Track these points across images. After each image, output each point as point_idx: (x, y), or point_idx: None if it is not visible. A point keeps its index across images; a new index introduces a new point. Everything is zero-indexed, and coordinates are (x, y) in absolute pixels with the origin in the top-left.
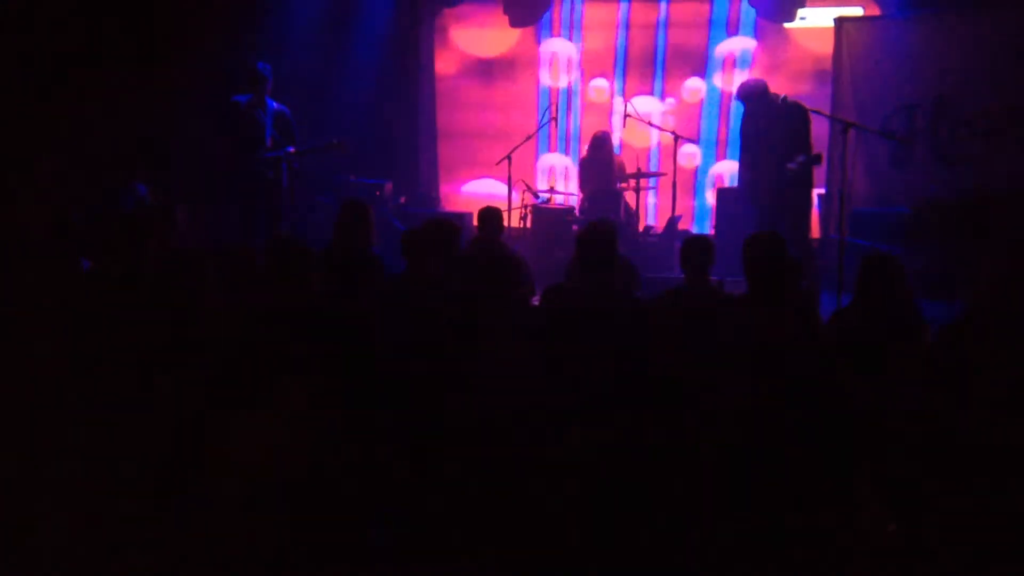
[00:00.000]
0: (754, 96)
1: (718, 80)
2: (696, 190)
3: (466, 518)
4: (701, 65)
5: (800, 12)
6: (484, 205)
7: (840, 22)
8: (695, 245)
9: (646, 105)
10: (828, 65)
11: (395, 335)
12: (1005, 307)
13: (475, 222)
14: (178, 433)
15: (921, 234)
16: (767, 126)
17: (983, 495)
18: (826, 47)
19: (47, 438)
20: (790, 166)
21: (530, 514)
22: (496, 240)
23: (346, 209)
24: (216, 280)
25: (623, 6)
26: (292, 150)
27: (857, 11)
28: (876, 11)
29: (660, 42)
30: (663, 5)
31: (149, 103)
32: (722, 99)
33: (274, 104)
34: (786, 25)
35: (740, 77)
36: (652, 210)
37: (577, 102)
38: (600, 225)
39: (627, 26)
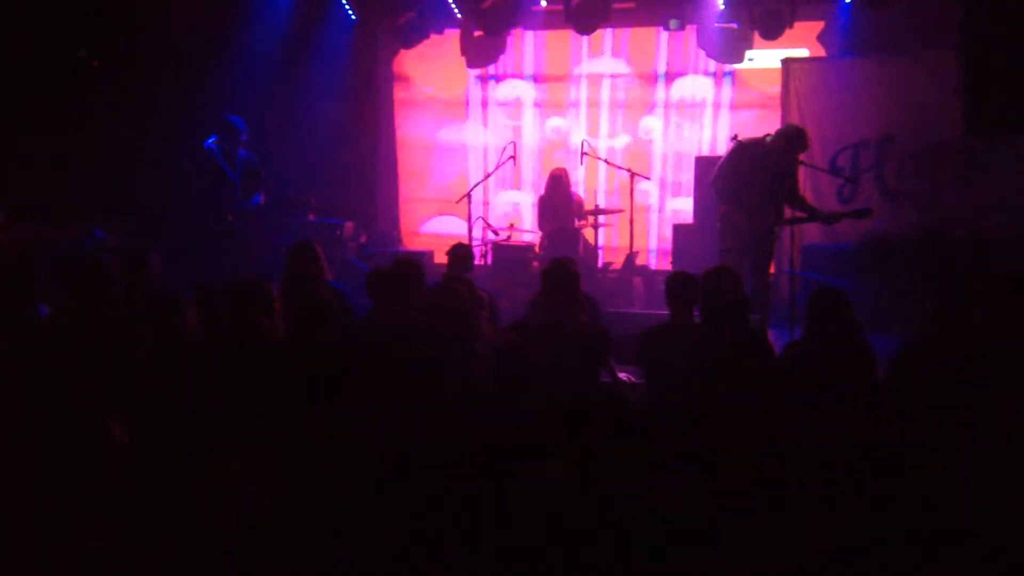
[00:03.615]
0: (793, 142)
1: (671, 119)
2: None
3: (435, 547)
4: (655, 105)
5: (748, 53)
6: (448, 243)
7: (787, 63)
8: (684, 281)
9: (602, 143)
10: (777, 105)
11: (364, 373)
12: (949, 340)
13: (437, 259)
14: (149, 472)
15: (869, 269)
16: (759, 169)
17: (935, 526)
18: (774, 87)
19: (11, 485)
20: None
21: (497, 547)
22: (464, 278)
23: (292, 254)
24: (194, 321)
25: (578, 47)
26: (261, 200)
27: (803, 52)
28: (822, 52)
29: (615, 82)
30: (618, 46)
31: (107, 149)
32: (675, 138)
33: (243, 152)
34: (735, 66)
35: (691, 116)
36: (610, 246)
37: (535, 141)
38: (564, 261)
39: (582, 66)
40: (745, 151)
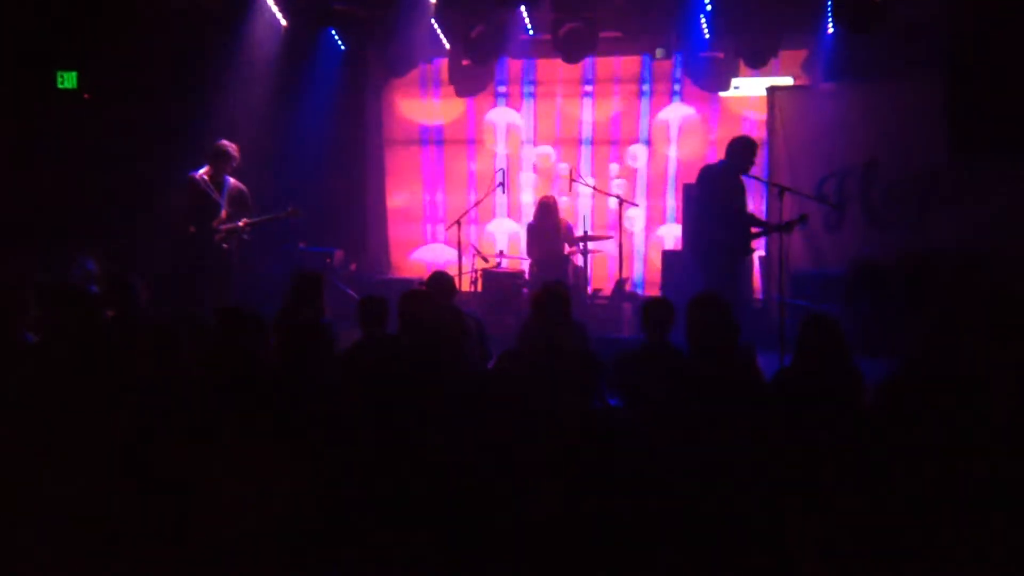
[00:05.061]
0: (742, 154)
1: (659, 146)
2: (640, 253)
3: (431, 562)
4: (643, 132)
5: (734, 82)
6: (434, 270)
7: (772, 91)
8: (656, 306)
9: (590, 170)
10: (763, 132)
11: (354, 400)
12: (939, 365)
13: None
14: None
15: (857, 294)
16: (716, 192)
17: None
18: (760, 114)
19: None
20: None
21: (491, 563)
22: (448, 305)
23: (298, 280)
24: (187, 348)
25: (564, 75)
26: (244, 222)
27: (788, 81)
28: (806, 80)
29: (603, 109)
30: (606, 74)
31: (99, 177)
32: (663, 164)
33: (231, 180)
34: (721, 94)
35: (679, 144)
36: (599, 273)
37: (523, 169)
38: (554, 285)
39: (570, 94)
40: (704, 176)
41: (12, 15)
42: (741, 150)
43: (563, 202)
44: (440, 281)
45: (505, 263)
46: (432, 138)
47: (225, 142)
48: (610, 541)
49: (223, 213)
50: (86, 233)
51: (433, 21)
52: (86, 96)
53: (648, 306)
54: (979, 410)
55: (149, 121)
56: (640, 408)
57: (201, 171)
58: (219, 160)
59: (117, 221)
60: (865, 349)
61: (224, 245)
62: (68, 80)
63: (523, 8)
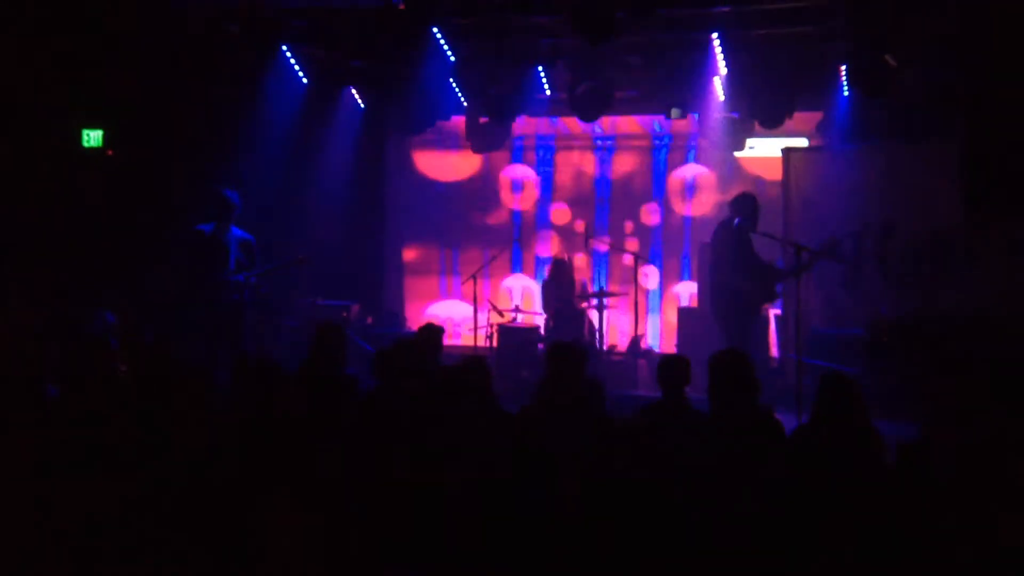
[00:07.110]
0: (744, 210)
1: (673, 205)
2: (656, 309)
3: None
4: (657, 190)
5: (749, 142)
6: (451, 325)
7: (787, 152)
8: (673, 364)
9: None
10: (778, 192)
11: (369, 451)
12: (959, 429)
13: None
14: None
15: (875, 355)
16: (733, 245)
17: None
18: (775, 175)
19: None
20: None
21: None
22: (430, 359)
23: (322, 332)
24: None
25: (580, 133)
26: (255, 272)
27: (802, 141)
28: (821, 141)
29: (617, 168)
30: (618, 133)
31: (115, 231)
32: (677, 223)
33: (238, 231)
34: (736, 154)
35: (694, 202)
36: (615, 329)
37: (539, 225)
38: (568, 343)
39: (586, 152)
40: (719, 233)
41: (38, 74)
42: (748, 206)
43: (578, 259)
44: (424, 335)
45: (520, 318)
46: (448, 194)
47: (226, 191)
48: None
49: (233, 265)
50: (107, 286)
51: (451, 80)
52: (110, 153)
53: (664, 363)
54: (999, 473)
55: (173, 178)
56: (658, 465)
57: (212, 224)
58: (224, 210)
59: (138, 275)
60: (883, 411)
61: (235, 296)
62: (94, 139)
63: (540, 68)
